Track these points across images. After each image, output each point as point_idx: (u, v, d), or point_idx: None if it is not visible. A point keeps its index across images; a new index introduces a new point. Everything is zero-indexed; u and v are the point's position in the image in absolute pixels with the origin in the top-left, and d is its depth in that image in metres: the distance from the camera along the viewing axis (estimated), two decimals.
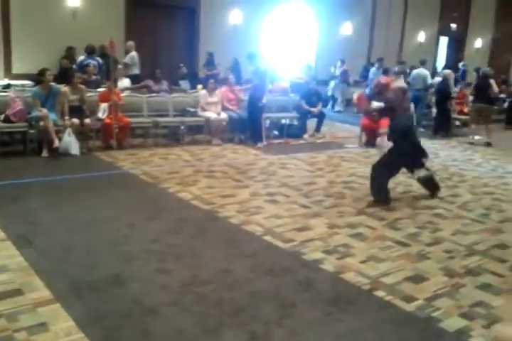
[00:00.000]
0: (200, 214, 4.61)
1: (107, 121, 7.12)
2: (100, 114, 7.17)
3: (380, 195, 5.15)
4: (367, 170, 6.64)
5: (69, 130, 6.68)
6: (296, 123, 9.46)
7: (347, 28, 14.35)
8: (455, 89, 9.98)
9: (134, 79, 9.30)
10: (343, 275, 3.46)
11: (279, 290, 3.20)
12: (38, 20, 9.58)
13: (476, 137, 9.70)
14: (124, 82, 8.87)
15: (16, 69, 9.51)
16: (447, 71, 11.04)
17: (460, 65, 15.39)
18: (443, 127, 10.24)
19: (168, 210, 4.69)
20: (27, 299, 2.90)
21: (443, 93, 10.19)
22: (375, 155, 7.77)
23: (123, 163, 6.48)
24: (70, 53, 9.66)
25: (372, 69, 11.39)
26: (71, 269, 3.34)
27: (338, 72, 13.26)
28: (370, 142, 8.64)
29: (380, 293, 3.22)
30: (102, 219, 4.34)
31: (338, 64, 13.29)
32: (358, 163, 7.25)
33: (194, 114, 8.14)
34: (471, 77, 14.66)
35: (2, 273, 3.21)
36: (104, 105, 7.18)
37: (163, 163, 6.65)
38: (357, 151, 8.13)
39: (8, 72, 9.45)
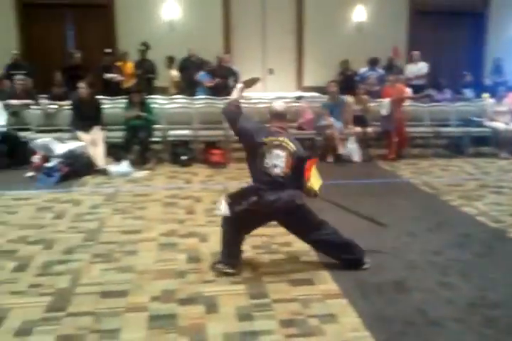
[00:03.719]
0: (486, 232, 4.29)
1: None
2: (384, 111, 7.20)
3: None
4: None
5: (352, 138, 7.03)
6: None
7: None
8: None
9: (417, 88, 9.16)
10: None
11: None
12: (326, 36, 10.34)
13: None
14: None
15: (306, 82, 10.47)
16: None
17: None
18: None
19: (450, 224, 4.49)
20: (317, 289, 3.17)
21: None
22: None
23: (402, 172, 6.50)
24: (345, 65, 10.05)
25: None
26: None
27: None
28: None
29: None
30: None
31: None
32: None
33: (479, 124, 7.64)
34: None
35: (296, 263, 3.57)
36: (386, 101, 7.22)
37: (444, 174, 6.41)
38: None
39: (300, 85, 10.48)
